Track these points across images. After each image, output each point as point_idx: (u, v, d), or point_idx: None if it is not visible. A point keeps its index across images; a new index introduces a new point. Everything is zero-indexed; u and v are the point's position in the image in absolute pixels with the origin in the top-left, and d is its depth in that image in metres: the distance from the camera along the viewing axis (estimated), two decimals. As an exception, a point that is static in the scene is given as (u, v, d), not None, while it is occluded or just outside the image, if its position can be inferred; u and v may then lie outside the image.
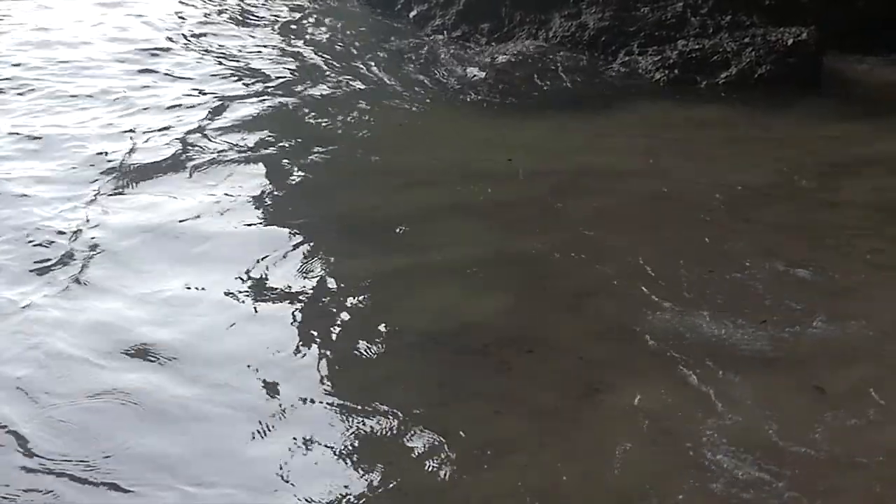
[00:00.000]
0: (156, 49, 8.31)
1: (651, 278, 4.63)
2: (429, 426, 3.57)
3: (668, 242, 5.09)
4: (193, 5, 9.73)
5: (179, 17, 9.24)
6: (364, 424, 3.60)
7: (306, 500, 3.24)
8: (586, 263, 4.84)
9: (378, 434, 3.57)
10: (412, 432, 3.55)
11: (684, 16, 8.20)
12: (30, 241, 4.89)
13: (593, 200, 5.60)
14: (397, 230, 5.17)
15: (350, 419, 3.64)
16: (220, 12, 9.53)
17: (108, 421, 3.59)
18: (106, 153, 6.04)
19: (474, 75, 7.92)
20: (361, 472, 3.38)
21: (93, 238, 4.95)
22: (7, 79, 7.42)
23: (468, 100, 7.44)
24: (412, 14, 9.46)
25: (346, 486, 3.30)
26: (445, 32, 8.96)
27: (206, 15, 9.46)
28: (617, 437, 3.51)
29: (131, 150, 6.09)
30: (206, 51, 8.36)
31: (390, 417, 3.64)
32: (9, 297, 4.38)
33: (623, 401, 3.73)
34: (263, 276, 4.68)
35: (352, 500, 3.25)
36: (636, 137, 6.76)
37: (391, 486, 3.32)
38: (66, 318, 4.23)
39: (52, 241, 4.90)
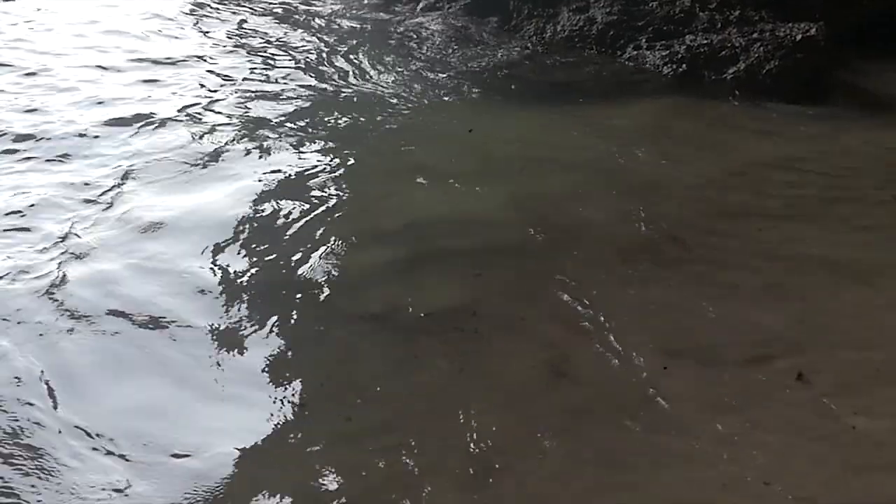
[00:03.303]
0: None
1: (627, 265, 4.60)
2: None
3: (656, 232, 5.01)
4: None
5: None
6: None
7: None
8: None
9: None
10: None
11: (693, 10, 8.12)
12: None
13: (592, 199, 5.46)
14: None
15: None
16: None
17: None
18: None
19: (479, 68, 7.86)
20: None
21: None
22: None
23: (472, 93, 7.36)
24: (419, 7, 9.43)
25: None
26: (451, 24, 8.91)
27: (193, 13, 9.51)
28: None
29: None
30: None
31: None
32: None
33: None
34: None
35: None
36: (641, 131, 6.66)
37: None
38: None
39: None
